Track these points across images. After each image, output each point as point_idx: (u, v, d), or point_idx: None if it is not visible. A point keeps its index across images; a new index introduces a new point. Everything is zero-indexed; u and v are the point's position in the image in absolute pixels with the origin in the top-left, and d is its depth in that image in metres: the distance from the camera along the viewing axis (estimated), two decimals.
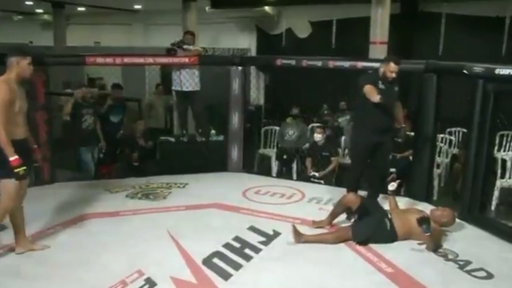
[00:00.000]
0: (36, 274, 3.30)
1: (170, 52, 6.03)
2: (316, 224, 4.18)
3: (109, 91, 7.19)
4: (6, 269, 3.37)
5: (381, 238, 3.82)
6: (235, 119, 6.02)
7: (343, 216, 4.26)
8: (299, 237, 3.81)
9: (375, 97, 4.12)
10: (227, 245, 3.76)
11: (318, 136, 5.98)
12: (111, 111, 6.35)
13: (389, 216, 3.92)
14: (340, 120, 8.15)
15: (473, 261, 3.57)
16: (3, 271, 3.34)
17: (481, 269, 3.47)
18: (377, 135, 4.37)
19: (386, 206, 4.22)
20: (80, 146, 5.80)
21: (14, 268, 3.38)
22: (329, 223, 4.18)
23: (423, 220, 3.61)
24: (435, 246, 3.72)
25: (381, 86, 4.28)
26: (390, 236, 3.83)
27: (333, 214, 4.20)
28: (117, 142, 6.30)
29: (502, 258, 3.68)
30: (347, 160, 6.80)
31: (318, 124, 6.43)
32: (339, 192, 5.11)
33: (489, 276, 3.39)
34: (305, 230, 3.95)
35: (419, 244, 3.79)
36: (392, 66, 4.24)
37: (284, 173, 6.53)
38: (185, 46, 6.15)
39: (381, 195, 4.59)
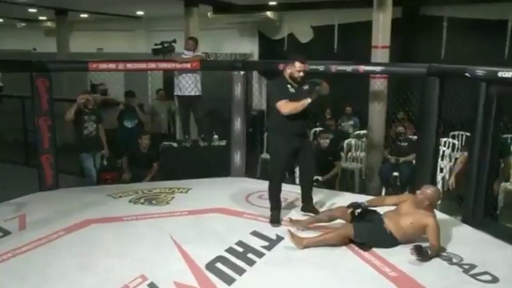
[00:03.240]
0: (39, 279, 3.31)
1: (157, 54, 6.07)
2: (293, 223, 4.13)
3: (110, 96, 7.23)
4: (10, 274, 3.38)
5: (382, 243, 3.80)
6: (238, 124, 6.02)
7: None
8: (299, 241, 3.78)
9: (303, 104, 4.05)
10: (230, 250, 3.76)
11: (325, 142, 5.96)
12: (124, 117, 6.40)
13: (384, 221, 3.86)
14: (343, 124, 8.19)
15: (478, 265, 3.55)
16: (7, 276, 3.35)
17: (486, 273, 3.45)
18: (295, 141, 4.26)
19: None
20: (81, 153, 5.80)
21: (18, 272, 3.39)
22: (306, 226, 4.12)
23: (420, 251, 3.56)
24: (437, 242, 3.67)
25: (291, 90, 4.17)
26: (390, 241, 3.81)
27: (317, 220, 4.15)
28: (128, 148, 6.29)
29: (507, 262, 3.66)
30: (350, 165, 6.83)
31: (322, 129, 6.43)
32: (342, 197, 5.14)
33: (494, 280, 3.36)
34: (301, 233, 3.94)
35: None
36: (298, 65, 4.12)
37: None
38: (186, 53, 6.17)
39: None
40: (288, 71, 4.20)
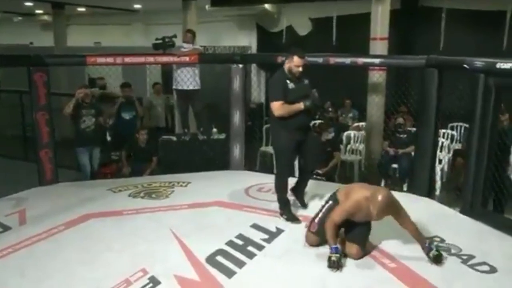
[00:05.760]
0: (40, 274, 3.32)
1: (157, 48, 6.05)
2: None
3: (109, 91, 7.23)
4: (10, 269, 3.39)
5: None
6: (237, 117, 6.01)
7: None
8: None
9: (297, 108, 4.01)
10: (230, 243, 3.77)
11: (326, 135, 5.94)
12: (123, 109, 6.41)
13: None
14: (343, 116, 8.20)
15: (476, 256, 3.57)
16: (7, 271, 3.36)
17: (484, 263, 3.47)
18: (298, 134, 4.19)
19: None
20: (77, 147, 5.77)
21: (19, 267, 3.40)
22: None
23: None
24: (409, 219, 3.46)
25: (290, 85, 4.05)
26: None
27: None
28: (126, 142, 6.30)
29: (505, 252, 3.68)
30: (349, 157, 6.84)
31: (322, 121, 6.43)
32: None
33: (493, 270, 3.39)
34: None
35: None
36: (296, 60, 4.02)
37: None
38: (185, 46, 6.14)
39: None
40: (286, 65, 4.12)
